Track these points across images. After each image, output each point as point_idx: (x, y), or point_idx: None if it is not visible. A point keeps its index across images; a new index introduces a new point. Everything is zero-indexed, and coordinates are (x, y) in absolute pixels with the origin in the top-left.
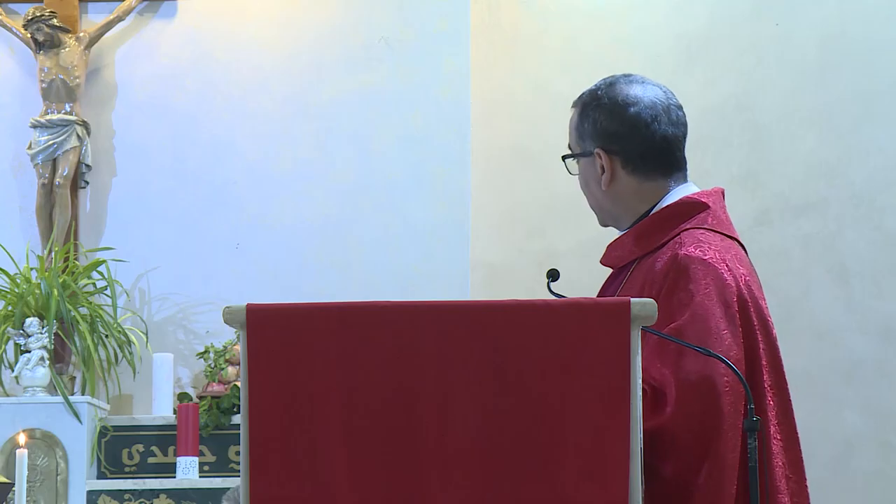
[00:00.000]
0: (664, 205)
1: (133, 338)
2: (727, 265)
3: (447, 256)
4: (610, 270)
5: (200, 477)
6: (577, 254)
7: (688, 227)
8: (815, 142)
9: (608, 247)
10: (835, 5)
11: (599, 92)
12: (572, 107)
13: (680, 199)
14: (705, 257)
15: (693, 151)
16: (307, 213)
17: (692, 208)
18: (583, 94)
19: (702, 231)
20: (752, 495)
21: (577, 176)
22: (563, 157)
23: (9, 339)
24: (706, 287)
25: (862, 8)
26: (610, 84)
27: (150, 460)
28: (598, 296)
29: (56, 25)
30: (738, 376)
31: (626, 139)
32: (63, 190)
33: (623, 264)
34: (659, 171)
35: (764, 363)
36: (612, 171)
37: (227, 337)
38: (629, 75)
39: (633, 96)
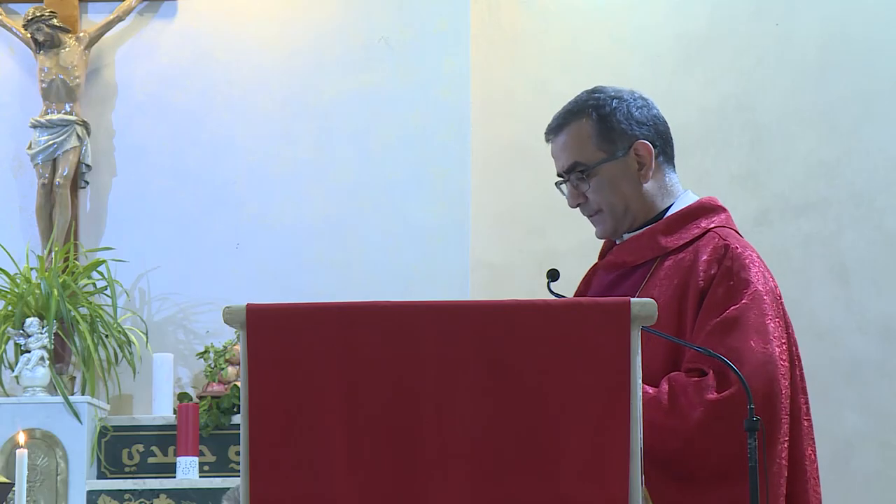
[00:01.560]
0: (682, 205)
1: (133, 338)
2: (763, 262)
3: (447, 256)
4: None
5: (200, 477)
6: (577, 254)
7: (714, 224)
8: (815, 142)
9: (617, 247)
10: (835, 5)
11: (599, 95)
12: (571, 121)
13: (700, 201)
14: (750, 252)
15: (693, 151)
16: (307, 213)
17: (712, 209)
18: (576, 106)
19: (730, 229)
20: (752, 496)
21: (585, 191)
22: (584, 171)
23: (9, 339)
24: (757, 276)
25: (862, 8)
26: (596, 90)
27: (150, 460)
28: (593, 296)
29: (56, 25)
30: (739, 376)
31: (653, 126)
32: (63, 190)
33: (639, 262)
34: (673, 160)
35: (795, 360)
36: (651, 160)
37: (227, 337)
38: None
39: (626, 89)
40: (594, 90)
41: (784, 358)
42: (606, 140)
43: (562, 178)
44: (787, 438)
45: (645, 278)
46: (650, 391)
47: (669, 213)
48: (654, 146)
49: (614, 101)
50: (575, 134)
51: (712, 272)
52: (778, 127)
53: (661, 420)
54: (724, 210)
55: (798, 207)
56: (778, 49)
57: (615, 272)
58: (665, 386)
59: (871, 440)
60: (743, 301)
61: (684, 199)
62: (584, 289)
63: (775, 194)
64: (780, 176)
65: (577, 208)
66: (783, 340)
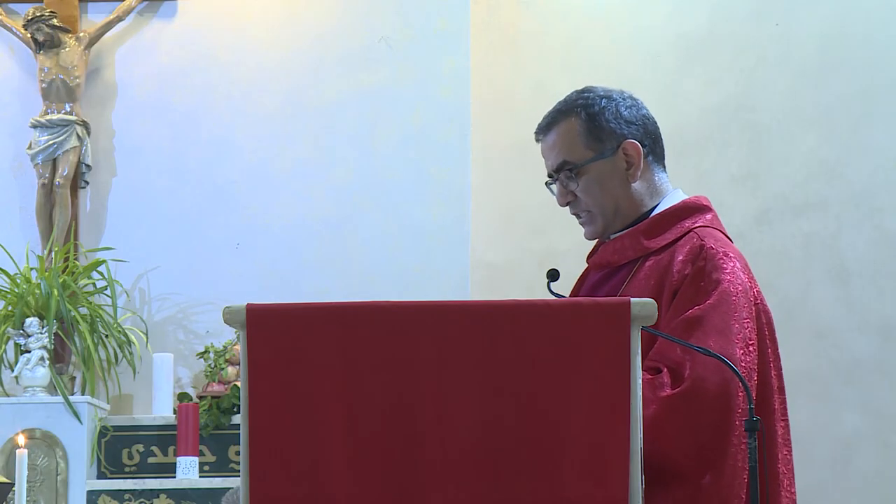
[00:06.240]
0: (668, 205)
1: (133, 338)
2: (743, 262)
3: (447, 256)
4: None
5: (200, 477)
6: (577, 254)
7: (697, 224)
8: (815, 142)
9: (602, 247)
10: (835, 5)
11: (588, 95)
12: (560, 120)
13: (685, 201)
14: (727, 251)
15: (693, 151)
16: (307, 213)
17: (697, 209)
18: (566, 105)
19: (713, 229)
20: (752, 496)
21: (572, 190)
22: (573, 170)
23: (9, 339)
24: (731, 276)
25: (862, 8)
26: (586, 90)
27: (150, 460)
28: (582, 296)
29: (56, 25)
30: (737, 374)
31: (642, 125)
32: (63, 190)
33: (622, 263)
34: (663, 159)
35: (771, 360)
36: (640, 159)
37: (227, 337)
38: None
39: (615, 89)
40: (584, 90)
41: (748, 360)
42: (595, 139)
43: (551, 178)
44: (744, 440)
45: (627, 279)
46: None
47: (655, 212)
48: (643, 145)
49: (603, 100)
50: (564, 132)
51: (686, 272)
52: (778, 127)
53: None
54: (709, 210)
55: (798, 207)
56: (778, 49)
57: (601, 272)
58: None
59: (871, 440)
60: (708, 301)
61: (671, 198)
62: (578, 288)
63: (775, 194)
64: (780, 176)
65: (567, 208)
66: (750, 342)
